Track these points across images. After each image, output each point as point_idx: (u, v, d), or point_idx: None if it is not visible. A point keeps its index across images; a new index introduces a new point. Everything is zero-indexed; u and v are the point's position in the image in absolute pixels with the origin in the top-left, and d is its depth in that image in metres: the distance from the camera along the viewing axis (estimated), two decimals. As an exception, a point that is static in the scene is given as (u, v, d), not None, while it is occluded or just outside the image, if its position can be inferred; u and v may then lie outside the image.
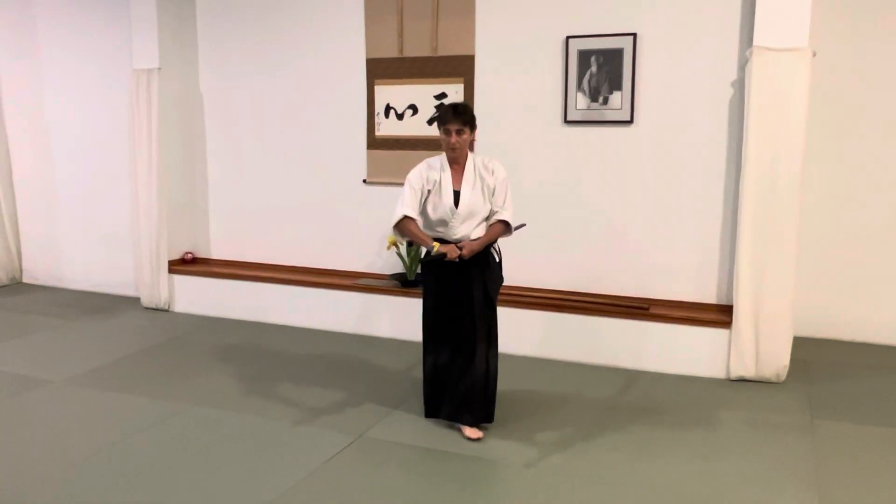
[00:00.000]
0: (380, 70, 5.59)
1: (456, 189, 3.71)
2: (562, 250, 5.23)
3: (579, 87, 5.02)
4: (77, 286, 7.01)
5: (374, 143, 5.68)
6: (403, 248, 5.43)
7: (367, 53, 5.61)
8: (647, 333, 4.77)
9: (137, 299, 6.50)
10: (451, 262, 3.65)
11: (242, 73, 6.11)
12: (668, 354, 4.72)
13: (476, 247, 3.69)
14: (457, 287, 3.76)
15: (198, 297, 6.18)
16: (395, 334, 5.46)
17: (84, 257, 6.94)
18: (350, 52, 5.68)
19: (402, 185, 3.74)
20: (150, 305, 6.32)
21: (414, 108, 5.51)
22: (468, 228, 3.73)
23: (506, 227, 3.76)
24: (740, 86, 4.66)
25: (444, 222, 3.73)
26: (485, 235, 3.75)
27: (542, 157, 5.20)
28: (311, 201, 6.01)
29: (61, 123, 6.83)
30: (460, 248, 3.64)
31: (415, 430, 3.87)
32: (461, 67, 5.34)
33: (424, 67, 5.45)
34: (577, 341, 4.93)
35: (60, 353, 5.19)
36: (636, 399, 4.31)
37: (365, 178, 5.75)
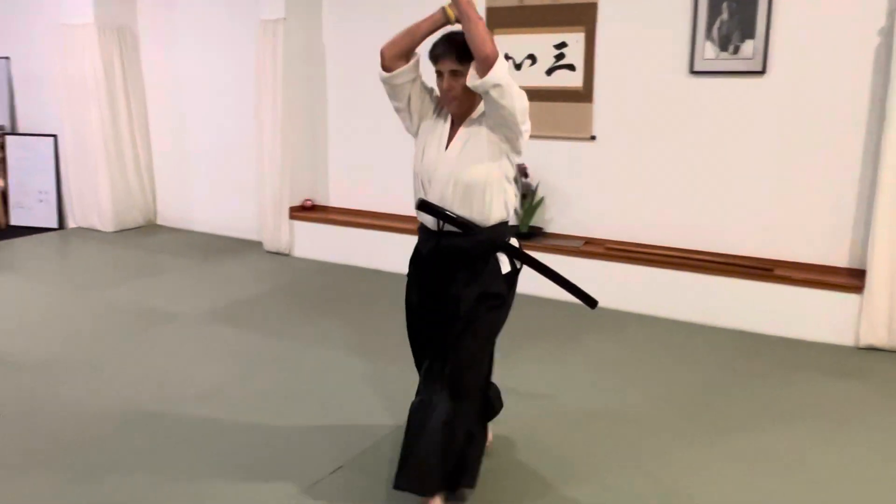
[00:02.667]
0: (499, 18, 5.50)
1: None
2: (681, 206, 5.04)
3: (708, 35, 4.77)
4: (205, 229, 7.37)
5: (492, 93, 5.62)
6: None
7: (486, 2, 5.52)
8: (770, 295, 4.55)
9: (260, 243, 6.77)
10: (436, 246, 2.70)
11: (363, 25, 6.15)
12: (792, 318, 4.50)
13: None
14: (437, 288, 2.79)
15: (316, 242, 6.37)
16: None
17: (212, 202, 7.28)
18: (470, 1, 5.61)
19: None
20: (271, 249, 6.58)
21: (533, 58, 5.40)
22: (450, 201, 2.65)
23: (491, 60, 2.43)
24: (888, 34, 4.28)
25: (420, 187, 2.79)
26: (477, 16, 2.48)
27: (666, 109, 4.99)
28: (426, 152, 6.03)
29: (193, 73, 7.13)
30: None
31: (525, 374, 3.87)
32: (583, 16, 5.18)
33: (545, 16, 5.31)
34: (692, 301, 4.76)
35: (189, 290, 5.49)
36: (756, 363, 4.14)
37: (481, 129, 5.71)
